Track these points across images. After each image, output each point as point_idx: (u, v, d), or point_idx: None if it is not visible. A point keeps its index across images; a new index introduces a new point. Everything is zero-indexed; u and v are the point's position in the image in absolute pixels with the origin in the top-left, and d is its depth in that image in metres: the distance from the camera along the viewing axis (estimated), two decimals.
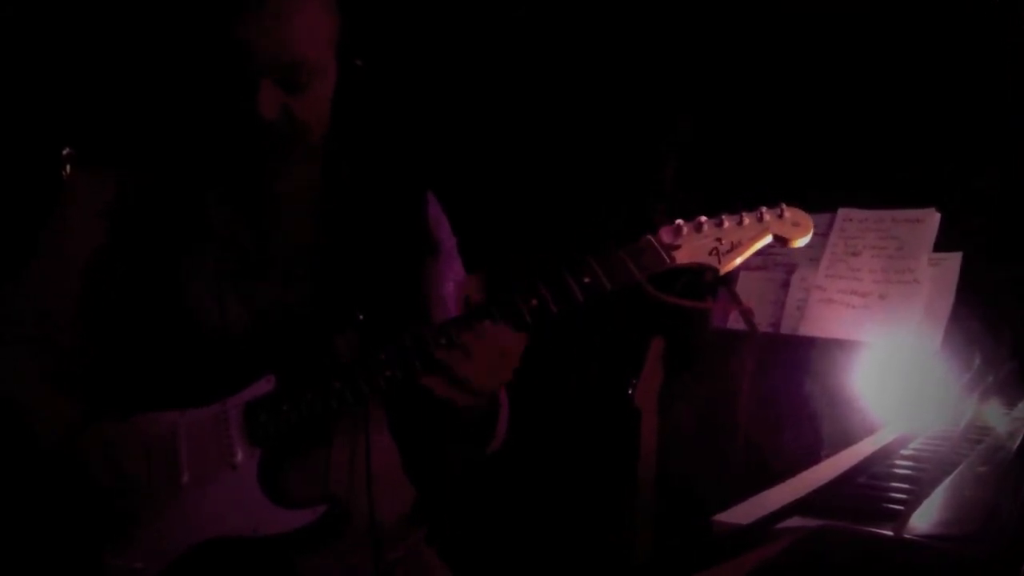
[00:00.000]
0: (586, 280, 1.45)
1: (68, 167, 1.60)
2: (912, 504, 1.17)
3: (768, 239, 1.53)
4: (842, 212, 2.07)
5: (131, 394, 1.52)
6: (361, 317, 1.46)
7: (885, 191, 2.06)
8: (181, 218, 1.56)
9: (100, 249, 1.56)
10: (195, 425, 1.49)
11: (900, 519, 1.11)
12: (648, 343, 2.16)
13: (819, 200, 1.56)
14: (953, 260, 1.88)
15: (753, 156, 2.36)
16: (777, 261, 2.12)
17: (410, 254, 1.67)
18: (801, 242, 1.54)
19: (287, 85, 1.46)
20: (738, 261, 1.51)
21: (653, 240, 1.49)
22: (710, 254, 1.50)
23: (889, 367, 1.84)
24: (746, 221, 1.51)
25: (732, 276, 2.03)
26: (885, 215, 2.01)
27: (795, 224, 1.53)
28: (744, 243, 1.51)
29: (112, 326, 1.55)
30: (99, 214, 1.56)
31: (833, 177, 2.20)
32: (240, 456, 1.48)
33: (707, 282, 2.01)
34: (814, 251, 2.05)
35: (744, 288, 2.10)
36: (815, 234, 2.04)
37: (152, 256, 1.54)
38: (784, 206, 1.53)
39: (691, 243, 1.50)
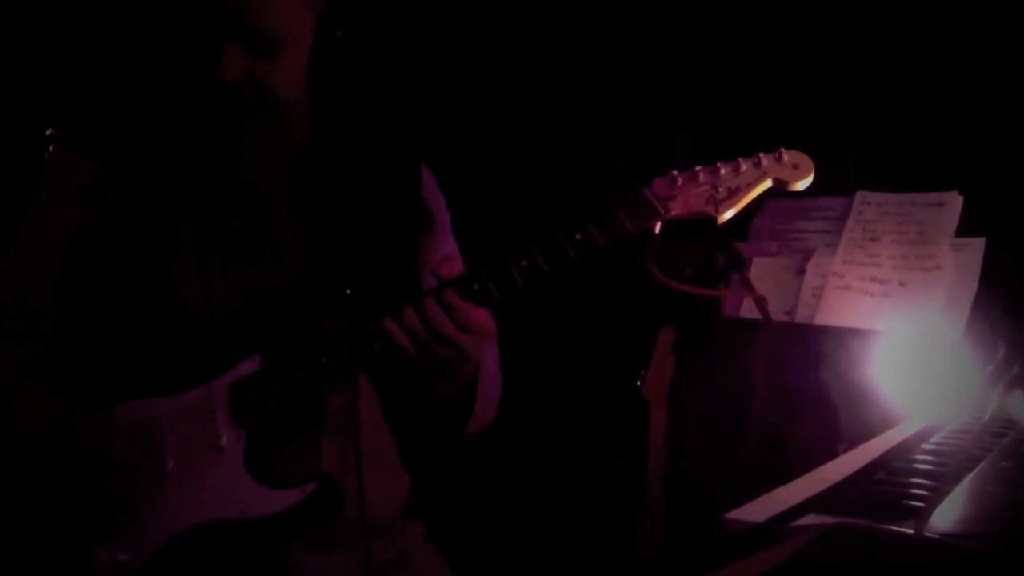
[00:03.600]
0: (578, 237, 1.42)
1: (51, 148, 1.57)
2: (933, 501, 1.14)
3: (768, 184, 1.51)
4: (860, 195, 2.05)
5: (116, 382, 1.50)
6: (348, 292, 1.43)
7: (905, 174, 2.05)
8: (162, 199, 1.54)
9: (81, 232, 1.54)
10: (180, 410, 1.48)
11: (921, 516, 1.08)
12: (657, 333, 2.13)
13: (836, 183, 1.52)
14: (976, 245, 1.87)
15: (767, 133, 2.33)
16: (793, 247, 2.11)
17: (404, 227, 1.65)
18: (802, 185, 1.52)
19: (254, 50, 1.45)
20: (736, 209, 1.50)
21: (647, 192, 1.47)
22: (707, 203, 1.48)
23: (909, 357, 1.82)
24: (743, 167, 1.50)
25: (745, 262, 2.02)
26: (905, 199, 1.99)
27: (795, 167, 1.51)
28: (742, 189, 1.49)
29: (95, 312, 1.54)
30: (79, 196, 1.54)
31: (851, 158, 2.16)
32: (226, 438, 1.46)
33: (719, 269, 1.99)
34: (831, 236, 2.05)
35: (758, 275, 2.07)
36: (832, 219, 2.05)
37: (134, 238, 1.53)
38: (783, 149, 1.51)
39: (687, 193, 1.47)
